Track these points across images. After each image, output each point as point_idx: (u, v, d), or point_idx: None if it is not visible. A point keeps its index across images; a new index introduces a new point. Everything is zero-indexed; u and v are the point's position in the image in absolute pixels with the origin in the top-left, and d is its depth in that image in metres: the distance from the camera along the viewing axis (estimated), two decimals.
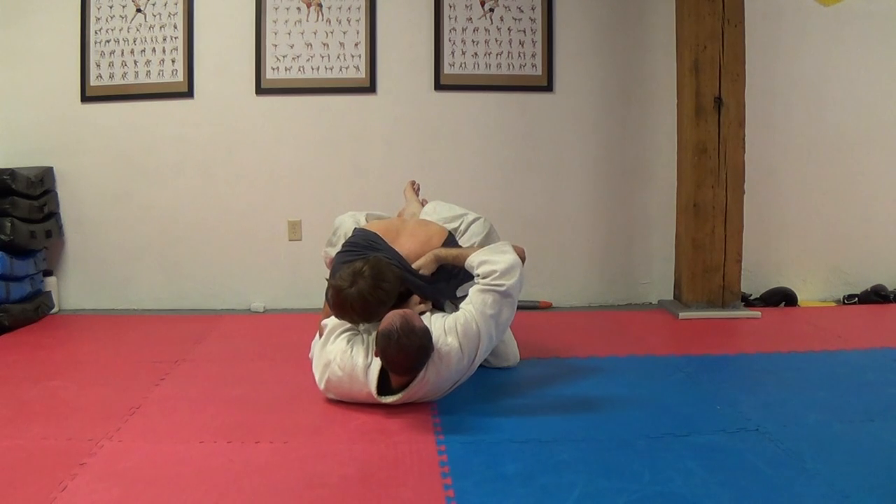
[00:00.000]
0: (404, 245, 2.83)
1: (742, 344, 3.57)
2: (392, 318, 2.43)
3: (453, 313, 2.61)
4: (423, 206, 3.37)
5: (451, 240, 2.93)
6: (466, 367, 2.58)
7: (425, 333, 2.44)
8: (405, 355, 2.41)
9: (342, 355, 2.55)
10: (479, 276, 2.63)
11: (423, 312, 2.68)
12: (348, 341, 2.59)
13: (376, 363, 2.50)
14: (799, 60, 4.31)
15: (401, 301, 2.69)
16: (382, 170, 4.20)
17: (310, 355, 2.82)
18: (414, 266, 2.76)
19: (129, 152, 4.19)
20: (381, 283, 2.52)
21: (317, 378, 2.63)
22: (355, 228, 2.98)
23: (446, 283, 2.80)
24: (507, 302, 2.61)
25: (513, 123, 4.28)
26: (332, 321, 2.67)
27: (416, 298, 2.75)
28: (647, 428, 2.40)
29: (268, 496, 1.96)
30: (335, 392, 2.59)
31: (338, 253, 2.88)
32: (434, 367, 2.49)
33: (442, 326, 2.54)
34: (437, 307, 2.79)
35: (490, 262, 2.62)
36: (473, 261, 2.67)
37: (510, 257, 2.64)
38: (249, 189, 4.24)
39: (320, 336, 2.69)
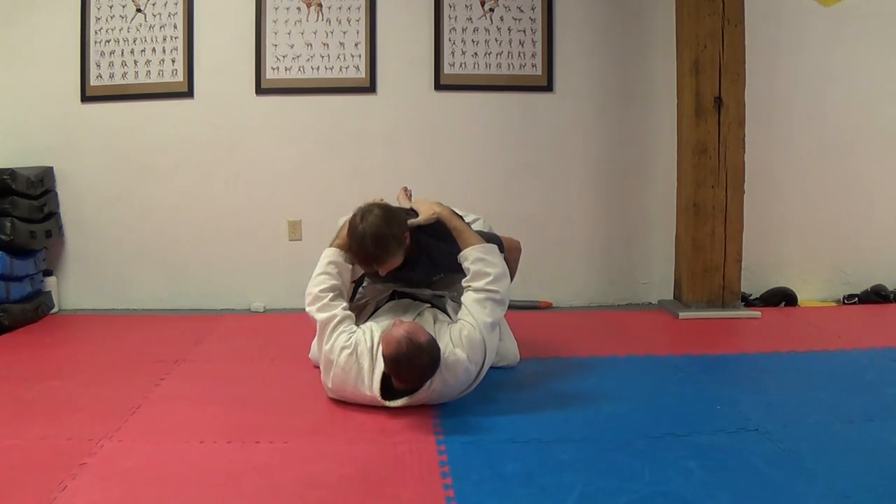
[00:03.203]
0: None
1: (742, 344, 3.57)
2: (398, 338, 2.37)
3: (457, 324, 2.58)
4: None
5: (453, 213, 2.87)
6: (473, 378, 2.56)
7: (433, 348, 2.41)
8: (417, 373, 2.41)
9: (346, 356, 2.51)
10: (469, 274, 2.61)
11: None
12: (348, 338, 2.55)
13: (380, 367, 2.49)
14: (799, 60, 4.31)
15: None
16: (382, 170, 4.20)
17: (311, 355, 2.81)
18: (413, 204, 2.75)
19: (129, 152, 4.19)
20: (392, 217, 2.55)
21: (322, 378, 2.62)
22: None
23: (430, 263, 2.75)
24: (501, 308, 2.63)
25: (513, 123, 4.28)
26: (321, 315, 2.58)
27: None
28: (647, 428, 2.40)
29: (268, 496, 1.96)
30: (339, 393, 2.59)
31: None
32: (440, 377, 2.47)
33: (448, 337, 2.53)
34: (417, 283, 2.79)
35: (485, 263, 2.60)
36: (469, 254, 2.63)
37: (502, 261, 2.66)
38: (249, 189, 4.24)
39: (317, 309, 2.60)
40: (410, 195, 3.48)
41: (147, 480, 2.04)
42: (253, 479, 2.05)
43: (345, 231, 2.69)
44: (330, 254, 2.70)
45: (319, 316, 2.59)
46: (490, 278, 2.58)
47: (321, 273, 2.66)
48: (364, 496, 1.96)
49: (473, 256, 2.63)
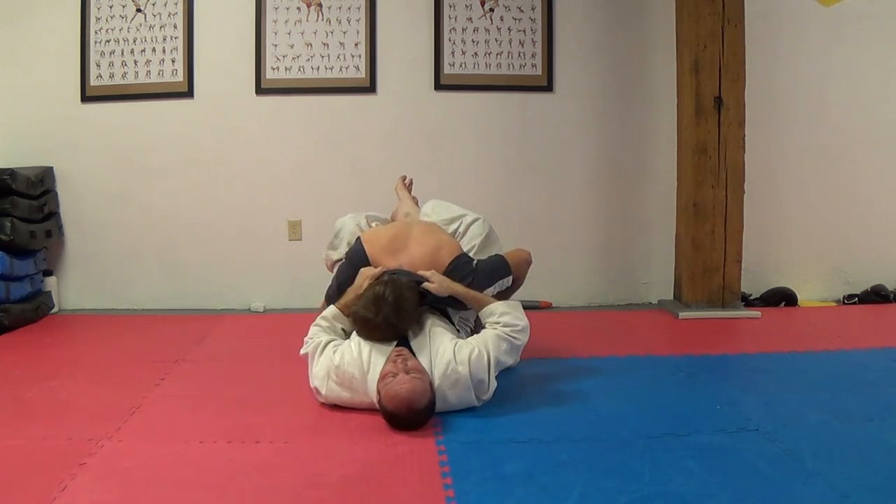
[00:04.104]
0: (413, 252, 2.82)
1: (742, 344, 3.57)
2: (398, 402, 2.34)
3: (465, 340, 2.60)
4: (416, 203, 3.36)
5: (462, 258, 2.86)
6: (472, 400, 2.53)
7: (430, 410, 2.40)
8: (408, 429, 2.40)
9: (336, 371, 2.51)
10: (498, 324, 2.65)
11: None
12: (333, 351, 2.56)
13: (374, 372, 2.47)
14: (799, 60, 4.31)
15: None
16: (382, 170, 4.18)
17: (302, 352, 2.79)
18: (423, 274, 2.73)
19: (129, 152, 4.19)
20: (402, 306, 2.55)
21: (318, 396, 2.60)
22: (357, 238, 2.95)
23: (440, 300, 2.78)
24: (514, 355, 2.68)
25: (513, 123, 4.28)
26: (307, 348, 2.63)
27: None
28: (647, 428, 2.40)
29: (268, 496, 1.96)
30: (337, 402, 2.57)
31: (341, 265, 2.92)
32: (440, 394, 2.46)
33: (451, 352, 2.51)
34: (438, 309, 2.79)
35: (513, 316, 2.66)
36: (495, 310, 2.68)
37: (526, 319, 2.71)
38: (249, 189, 4.24)
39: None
40: (410, 185, 3.48)
41: (147, 480, 2.04)
42: (253, 479, 2.05)
43: (349, 298, 2.71)
44: (329, 312, 2.75)
45: (307, 349, 2.65)
46: (518, 328, 2.65)
47: (316, 325, 2.71)
48: (364, 496, 1.96)
49: (500, 310, 2.68)
